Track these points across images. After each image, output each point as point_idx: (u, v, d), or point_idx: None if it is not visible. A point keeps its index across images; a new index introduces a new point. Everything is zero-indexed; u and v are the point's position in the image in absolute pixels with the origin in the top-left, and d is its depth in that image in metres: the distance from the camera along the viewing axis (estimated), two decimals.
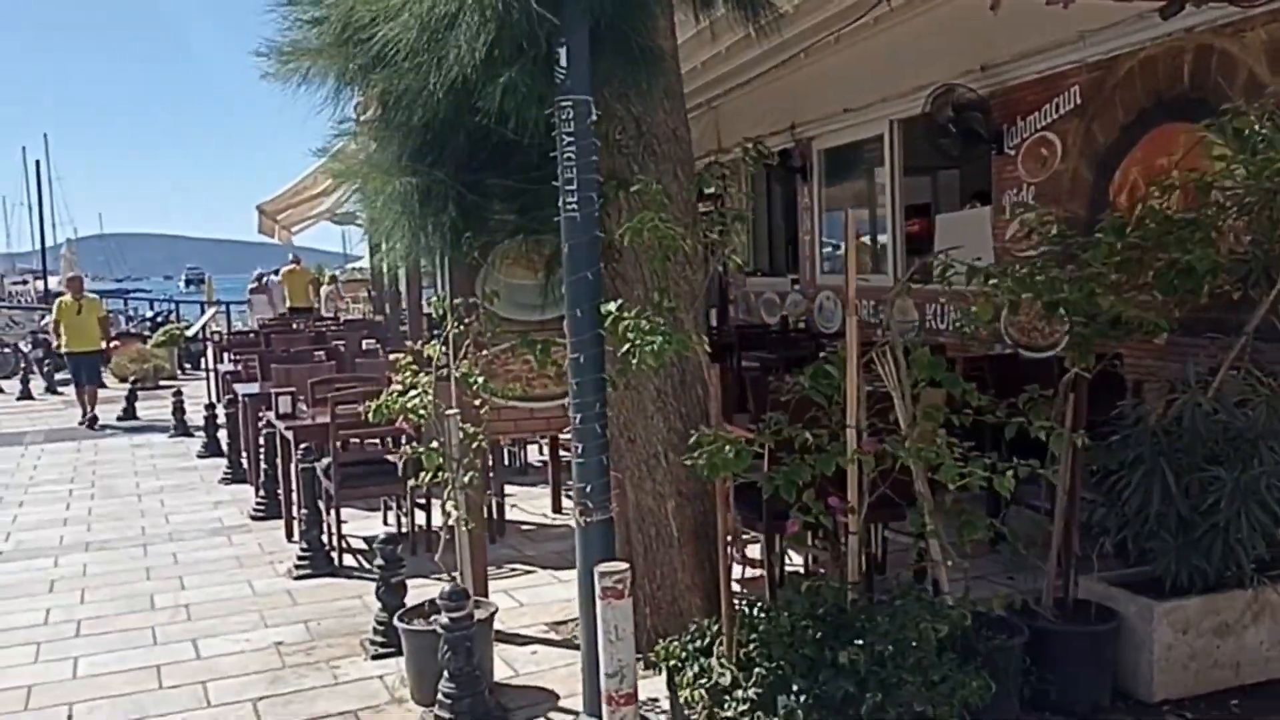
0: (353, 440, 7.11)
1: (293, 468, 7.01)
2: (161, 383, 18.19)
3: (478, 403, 4.66)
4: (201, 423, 12.31)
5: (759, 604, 3.92)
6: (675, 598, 4.65)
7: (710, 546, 4.34)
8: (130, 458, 11.10)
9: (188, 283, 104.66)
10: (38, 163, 31.50)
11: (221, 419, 10.81)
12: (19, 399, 16.86)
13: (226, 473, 9.55)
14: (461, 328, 4.57)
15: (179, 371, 19.76)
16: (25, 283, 28.72)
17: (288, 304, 21.54)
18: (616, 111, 4.45)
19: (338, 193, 19.07)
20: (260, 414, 8.69)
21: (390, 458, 7.03)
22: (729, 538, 3.95)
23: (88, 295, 14.26)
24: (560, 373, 4.67)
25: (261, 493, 8.21)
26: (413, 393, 4.48)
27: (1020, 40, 8.34)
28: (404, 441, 5.18)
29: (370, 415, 4.59)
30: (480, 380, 4.61)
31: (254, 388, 9.33)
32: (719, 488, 3.88)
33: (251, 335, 15.53)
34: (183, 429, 12.35)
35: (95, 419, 13.38)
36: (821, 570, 4.73)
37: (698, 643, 4.02)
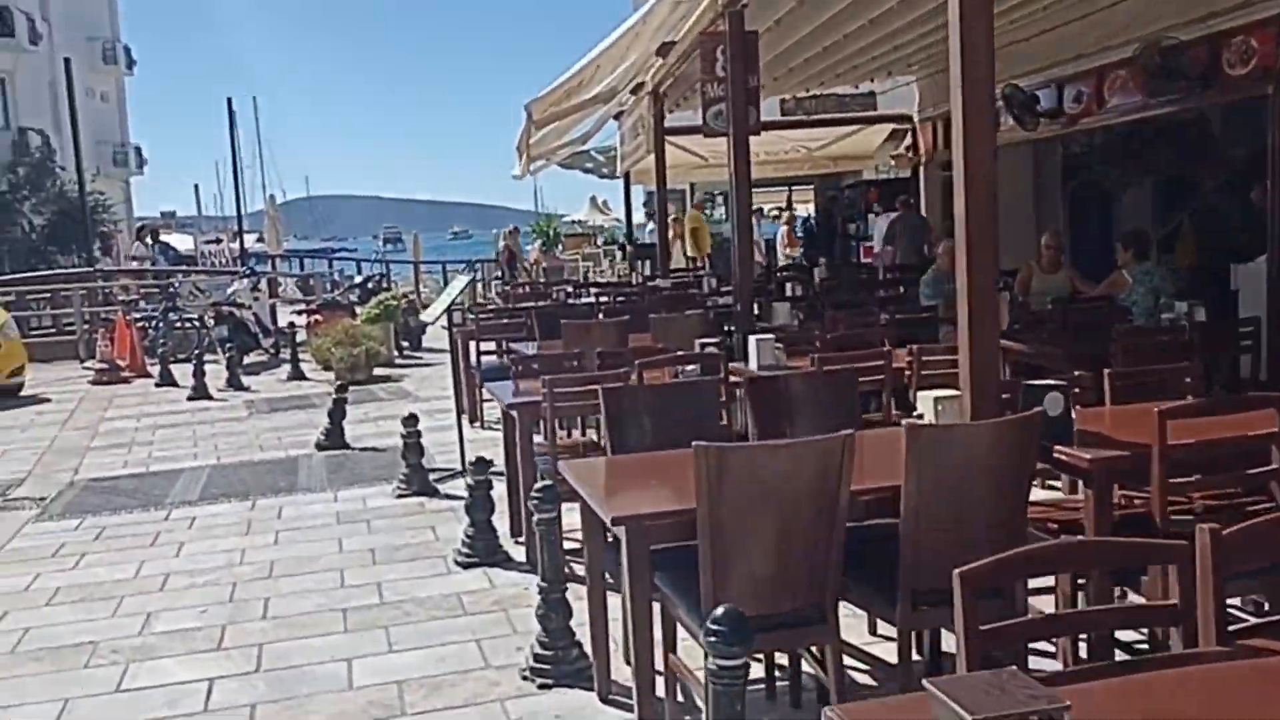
0: None
1: None
2: (376, 371, 13.42)
3: None
4: (444, 465, 7.47)
5: None
6: None
7: None
8: (336, 551, 6.03)
9: (385, 241, 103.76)
10: (231, 121, 27.87)
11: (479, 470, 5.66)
12: (191, 398, 12.29)
13: (542, 658, 4.20)
14: None
15: (396, 354, 15.03)
16: (218, 242, 24.99)
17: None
18: None
19: (607, 104, 13.78)
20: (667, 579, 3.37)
21: None
22: None
23: None
24: None
25: None
26: None
27: None
28: None
29: None
30: None
31: (636, 500, 3.99)
32: None
33: (507, 317, 10.38)
34: (419, 480, 7.24)
35: None
36: None
37: None
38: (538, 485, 4.13)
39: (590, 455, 5.91)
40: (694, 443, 3.13)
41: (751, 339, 6.04)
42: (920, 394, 3.80)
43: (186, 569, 5.83)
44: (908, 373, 5.77)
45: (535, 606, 4.18)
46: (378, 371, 13.42)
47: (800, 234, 19.61)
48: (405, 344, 15.78)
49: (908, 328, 7.73)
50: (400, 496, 7.14)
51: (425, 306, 18.87)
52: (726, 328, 8.30)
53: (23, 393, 13.23)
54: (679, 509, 3.26)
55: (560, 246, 30.28)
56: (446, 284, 26.53)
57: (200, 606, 5.20)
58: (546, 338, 8.38)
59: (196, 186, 58.67)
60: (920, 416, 3.80)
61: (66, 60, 21.91)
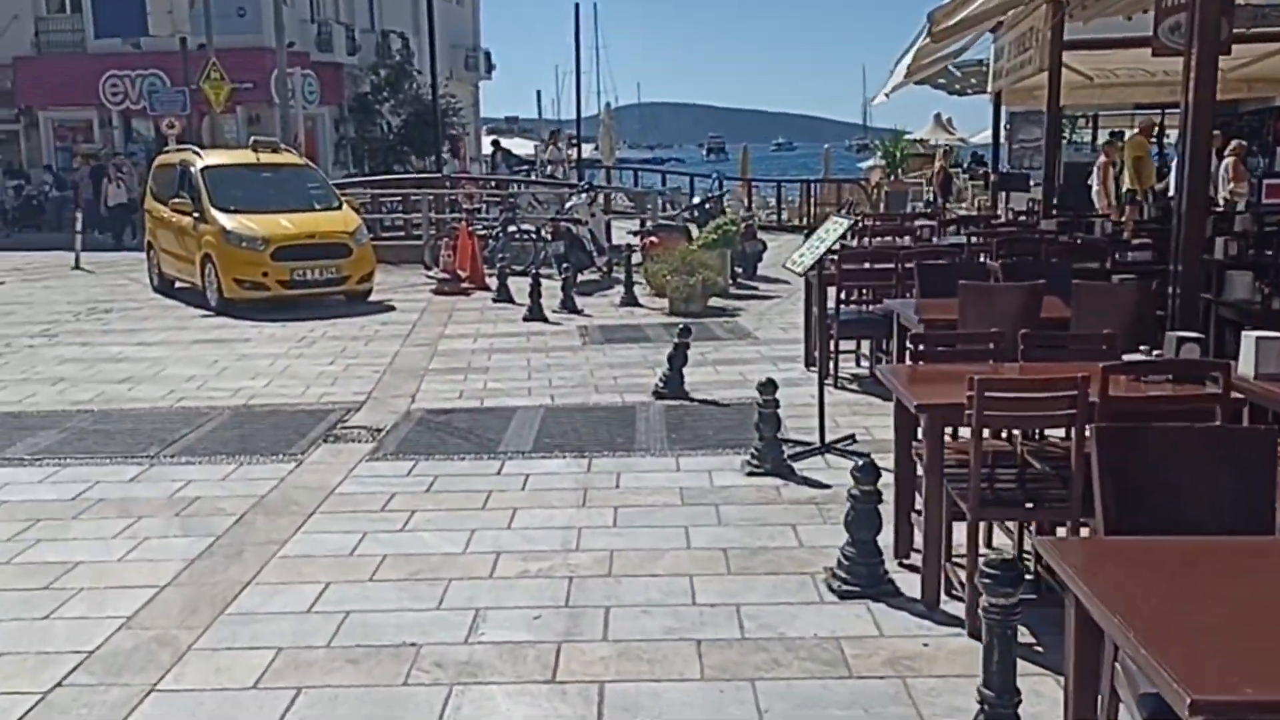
0: None
1: None
2: (712, 303, 12.56)
3: None
4: (797, 437, 6.45)
5: None
6: None
7: None
8: (682, 545, 5.13)
9: (709, 151, 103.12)
10: (577, 27, 27.66)
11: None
12: (526, 319, 11.95)
13: None
14: None
15: (730, 284, 14.09)
16: (557, 149, 25.21)
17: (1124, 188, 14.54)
18: None
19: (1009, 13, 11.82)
20: None
21: None
22: None
23: None
24: None
25: None
26: None
27: None
28: None
29: None
30: None
31: None
32: None
33: (869, 260, 9.06)
34: (773, 456, 6.21)
35: None
36: None
37: None
38: (994, 560, 2.95)
39: (1000, 469, 4.62)
40: None
41: (1248, 335, 4.49)
42: None
43: (519, 548, 5.13)
44: None
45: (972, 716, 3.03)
46: (713, 303, 12.57)
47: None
48: (738, 270, 14.82)
49: None
50: (751, 475, 6.16)
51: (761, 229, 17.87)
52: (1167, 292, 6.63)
53: (370, 298, 13.45)
54: None
55: (903, 169, 28.24)
56: (779, 203, 25.38)
57: (534, 609, 4.44)
58: (928, 295, 7.08)
59: (538, 92, 60.47)
60: None
61: None
